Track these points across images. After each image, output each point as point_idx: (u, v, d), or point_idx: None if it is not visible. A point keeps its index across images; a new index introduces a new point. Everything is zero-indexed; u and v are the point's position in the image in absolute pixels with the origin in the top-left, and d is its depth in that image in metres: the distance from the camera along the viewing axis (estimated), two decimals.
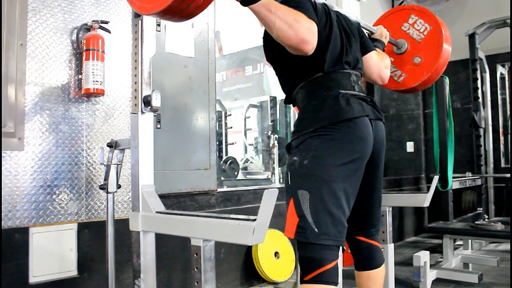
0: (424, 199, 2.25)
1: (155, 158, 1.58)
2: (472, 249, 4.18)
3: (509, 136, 5.34)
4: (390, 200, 2.38)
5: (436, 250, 4.39)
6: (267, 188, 1.07)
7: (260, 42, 1.84)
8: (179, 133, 2.89)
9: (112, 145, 1.93)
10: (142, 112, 1.47)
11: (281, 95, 4.86)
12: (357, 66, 1.73)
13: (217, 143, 3.46)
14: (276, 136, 4.74)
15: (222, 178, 4.42)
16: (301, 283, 1.49)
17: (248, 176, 5.10)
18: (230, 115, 5.36)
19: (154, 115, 1.53)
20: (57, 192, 2.24)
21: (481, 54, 4.84)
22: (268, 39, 1.67)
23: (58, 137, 2.27)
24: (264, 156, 4.82)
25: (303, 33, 1.42)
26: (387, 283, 2.35)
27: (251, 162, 5.29)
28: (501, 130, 5.41)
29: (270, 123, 4.94)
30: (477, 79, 4.73)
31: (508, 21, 4.63)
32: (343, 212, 1.52)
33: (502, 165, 5.39)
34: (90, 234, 2.34)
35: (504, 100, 5.48)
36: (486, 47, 4.94)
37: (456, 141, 4.09)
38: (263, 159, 4.85)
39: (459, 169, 4.56)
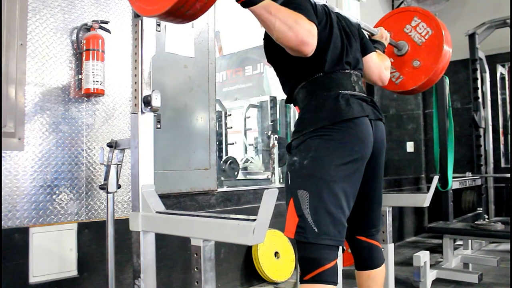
0: (424, 199, 2.25)
1: (155, 158, 1.58)
2: (472, 249, 4.18)
3: (509, 136, 5.34)
4: (390, 200, 2.38)
5: (436, 250, 4.39)
6: (267, 188, 1.07)
7: (260, 42, 1.85)
8: (179, 133, 2.89)
9: (112, 145, 1.93)
10: (142, 112, 1.47)
11: (281, 95, 4.86)
12: (358, 66, 1.73)
13: (217, 143, 3.46)
14: (276, 136, 4.74)
15: (222, 178, 4.41)
16: (300, 283, 1.50)
17: (248, 176, 5.10)
18: (230, 115, 5.36)
19: (154, 115, 1.53)
20: (57, 192, 2.24)
21: (481, 54, 4.84)
22: (268, 40, 1.68)
23: (58, 137, 2.27)
24: (264, 156, 4.82)
25: (303, 34, 1.42)
26: (387, 283, 2.35)
27: (251, 162, 5.28)
28: (501, 130, 5.41)
29: (270, 123, 4.94)
30: (477, 79, 4.72)
31: (508, 21, 4.63)
32: (343, 212, 1.53)
33: (502, 165, 5.39)
34: (90, 234, 2.34)
35: (504, 100, 5.48)
36: (486, 47, 4.94)
37: (456, 141, 4.09)
38: (263, 159, 4.85)
39: (459, 169, 4.56)
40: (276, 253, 3.32)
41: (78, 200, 2.32)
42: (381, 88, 4.15)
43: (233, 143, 5.31)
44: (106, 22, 2.42)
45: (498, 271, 3.58)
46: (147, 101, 1.45)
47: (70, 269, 2.26)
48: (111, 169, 1.93)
